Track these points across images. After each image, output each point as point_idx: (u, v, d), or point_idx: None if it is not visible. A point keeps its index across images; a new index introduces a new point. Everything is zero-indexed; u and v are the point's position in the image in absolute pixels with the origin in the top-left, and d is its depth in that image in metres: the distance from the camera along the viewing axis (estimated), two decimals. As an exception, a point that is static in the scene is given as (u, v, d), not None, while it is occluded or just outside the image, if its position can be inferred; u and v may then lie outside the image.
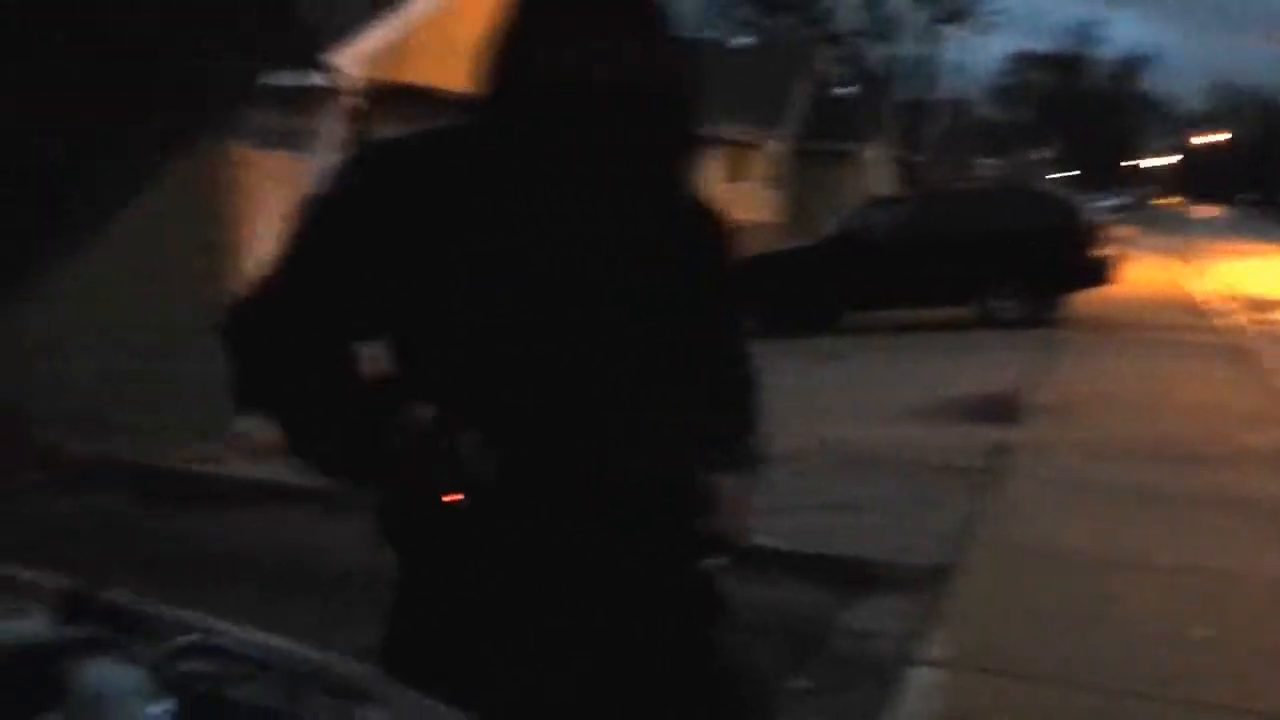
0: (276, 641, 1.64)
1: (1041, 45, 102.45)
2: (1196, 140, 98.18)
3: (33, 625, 1.56)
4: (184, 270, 7.36)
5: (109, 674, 1.50)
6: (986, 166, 60.44)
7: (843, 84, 41.70)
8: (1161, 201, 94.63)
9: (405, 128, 1.95)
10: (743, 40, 42.62)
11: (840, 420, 9.18)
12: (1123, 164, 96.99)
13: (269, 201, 7.37)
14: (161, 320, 7.20)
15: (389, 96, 9.71)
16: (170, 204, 6.79)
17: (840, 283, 16.18)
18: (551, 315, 1.75)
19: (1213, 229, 53.60)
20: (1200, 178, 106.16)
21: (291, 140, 8.14)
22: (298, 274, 1.80)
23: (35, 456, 6.48)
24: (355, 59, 9.93)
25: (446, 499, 1.70)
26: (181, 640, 1.58)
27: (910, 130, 43.84)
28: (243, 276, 6.73)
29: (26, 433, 6.68)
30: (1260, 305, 18.41)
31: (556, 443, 1.77)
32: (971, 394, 10.44)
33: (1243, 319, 16.81)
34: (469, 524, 1.74)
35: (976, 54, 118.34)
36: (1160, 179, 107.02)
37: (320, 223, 1.81)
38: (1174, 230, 45.99)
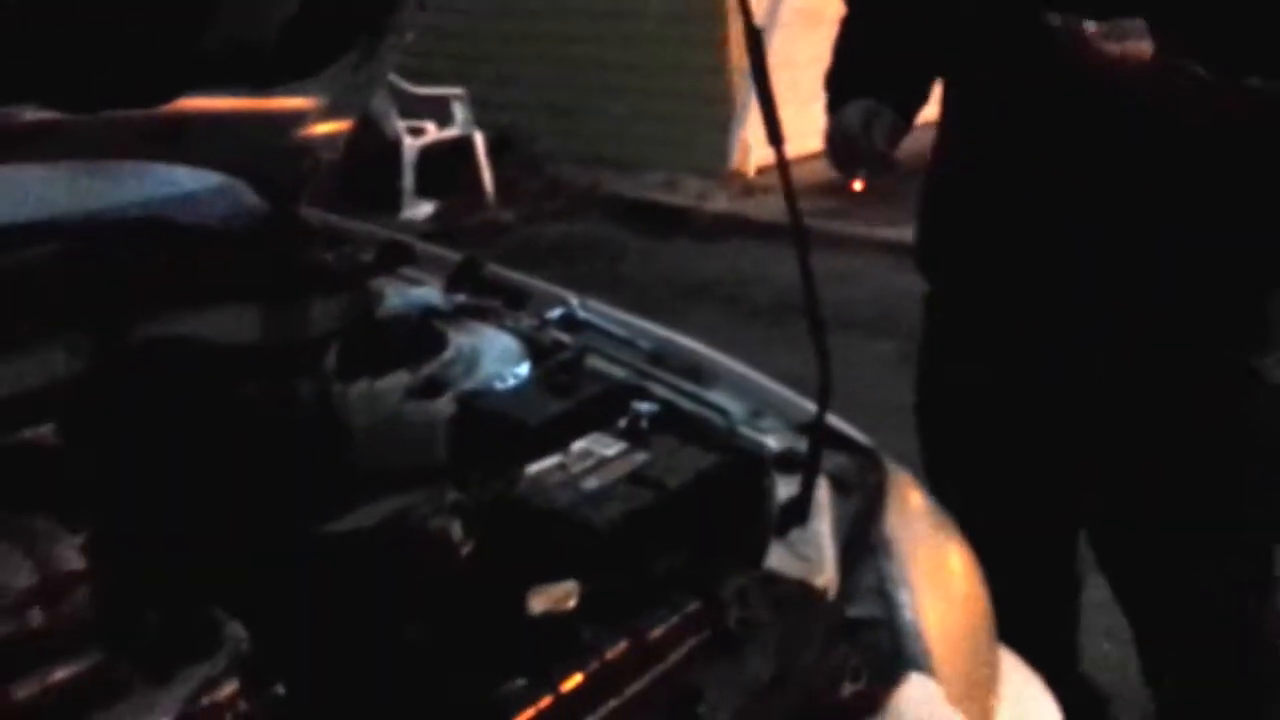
0: (636, 321, 1.77)
1: None
2: None
3: (427, 293, 1.77)
4: (680, 30, 7.59)
5: (486, 336, 1.70)
6: None
7: None
8: None
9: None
10: None
11: None
12: None
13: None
14: (660, 69, 7.53)
15: None
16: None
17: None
18: None
19: None
20: None
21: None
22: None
23: (550, 189, 7.14)
24: None
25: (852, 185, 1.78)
26: (551, 313, 1.74)
27: None
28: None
29: (540, 169, 7.31)
30: None
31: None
32: None
33: None
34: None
35: None
36: None
37: None
38: None
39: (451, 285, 1.78)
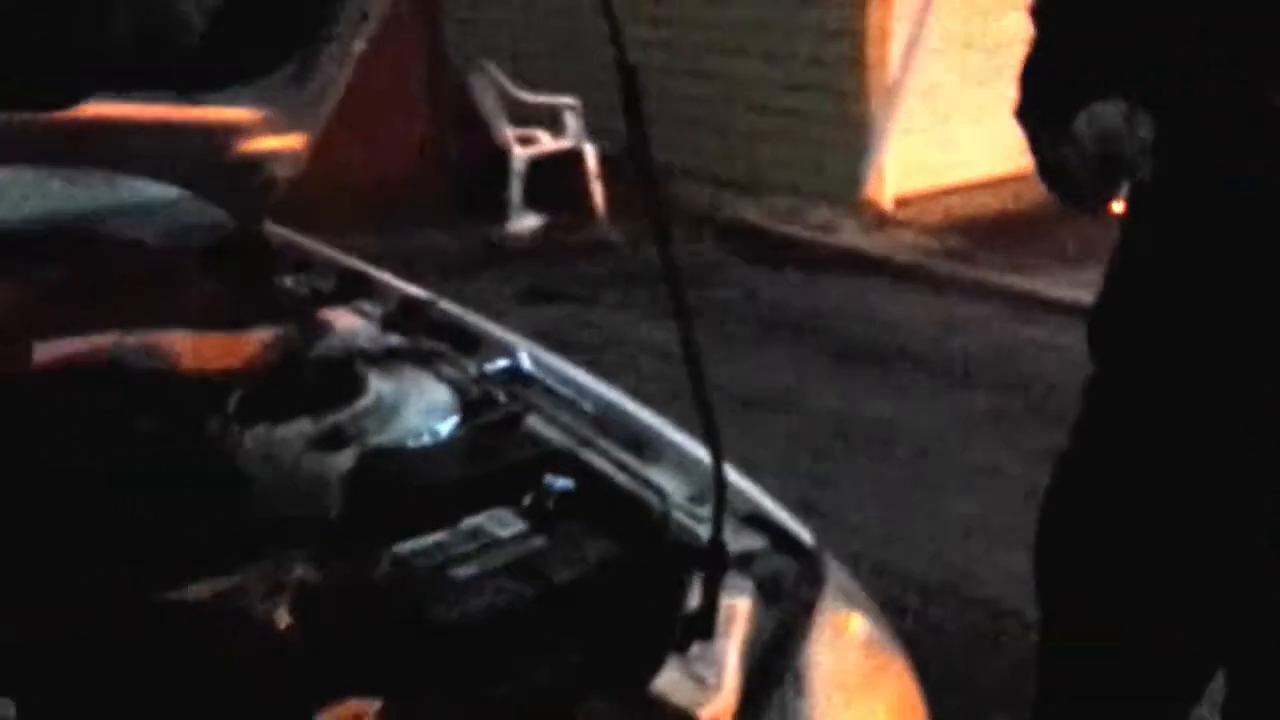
0: (588, 382, 1.58)
1: None
2: None
3: (357, 330, 1.62)
4: (818, 49, 7.41)
5: (414, 384, 1.53)
6: None
7: None
8: None
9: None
10: None
11: None
12: None
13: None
14: (793, 87, 7.37)
15: None
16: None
17: None
18: None
19: None
20: None
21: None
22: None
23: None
24: None
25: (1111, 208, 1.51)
26: (492, 365, 1.57)
27: None
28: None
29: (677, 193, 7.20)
30: None
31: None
32: None
33: None
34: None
35: None
36: None
37: None
38: None
39: (388, 324, 1.62)
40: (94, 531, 1.27)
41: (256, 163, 1.65)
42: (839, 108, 6.89)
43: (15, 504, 1.28)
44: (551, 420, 1.50)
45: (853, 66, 6.82)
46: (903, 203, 6.75)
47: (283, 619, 1.12)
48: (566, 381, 1.56)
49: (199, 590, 1.16)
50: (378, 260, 1.94)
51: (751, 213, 7.03)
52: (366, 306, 1.70)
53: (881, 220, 6.71)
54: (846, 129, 6.89)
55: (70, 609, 1.15)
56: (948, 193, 7.61)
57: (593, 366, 1.68)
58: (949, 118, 7.38)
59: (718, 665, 1.18)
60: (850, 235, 6.71)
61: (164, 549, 1.27)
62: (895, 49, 6.76)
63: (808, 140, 7.04)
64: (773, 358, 4.93)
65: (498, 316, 1.79)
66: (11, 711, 1.02)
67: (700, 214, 6.97)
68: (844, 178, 6.91)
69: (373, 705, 1.00)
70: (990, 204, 7.11)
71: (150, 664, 1.08)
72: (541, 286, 5.74)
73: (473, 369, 1.57)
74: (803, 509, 1.50)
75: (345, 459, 1.40)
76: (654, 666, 1.17)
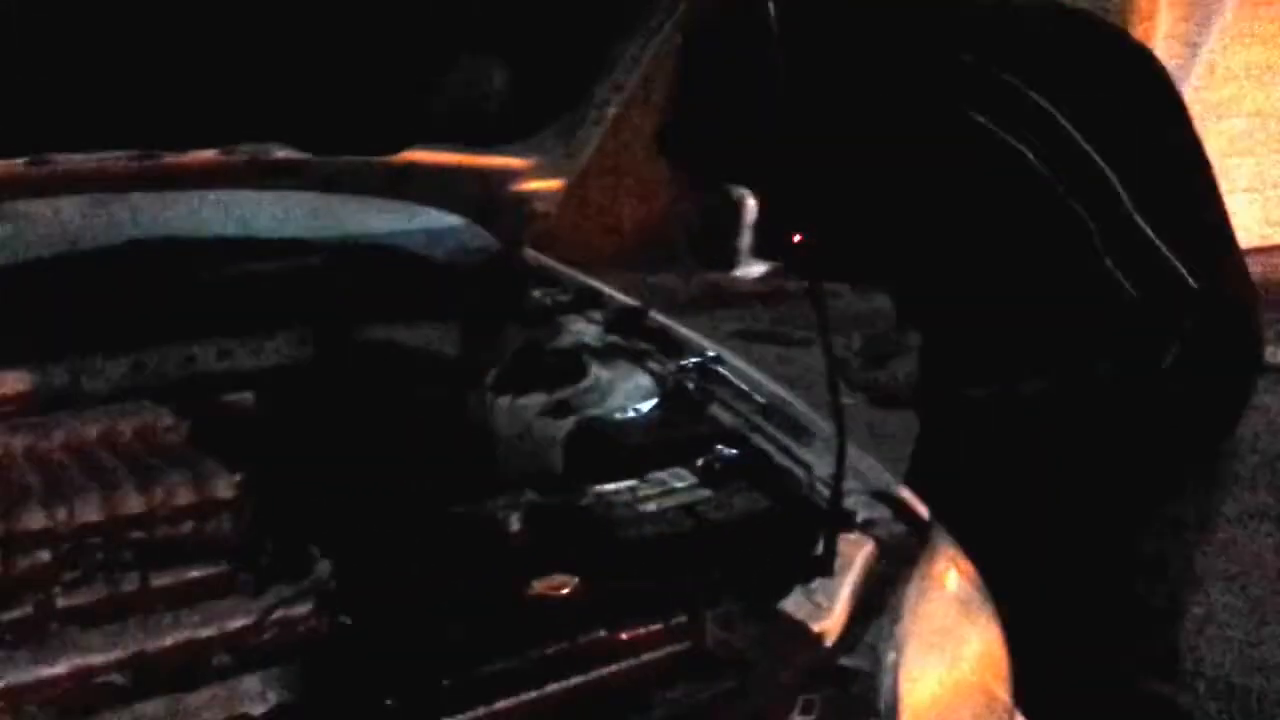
0: (764, 380, 1.97)
1: None
2: None
3: (591, 331, 2.07)
4: None
5: (625, 373, 1.97)
6: None
7: None
8: None
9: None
10: None
11: None
12: None
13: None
14: None
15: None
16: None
17: None
18: None
19: None
20: None
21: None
22: None
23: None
24: None
25: None
26: (685, 362, 1.99)
27: None
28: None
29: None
30: None
31: None
32: None
33: None
34: None
35: None
36: None
37: None
38: None
39: (609, 328, 2.07)
40: (394, 464, 1.76)
41: (522, 200, 2.14)
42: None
43: (345, 443, 1.78)
44: (728, 406, 1.90)
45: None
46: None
47: (515, 525, 1.56)
48: (746, 378, 1.95)
49: (464, 507, 1.61)
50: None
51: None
52: (594, 314, 2.15)
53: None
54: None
55: (379, 512, 1.63)
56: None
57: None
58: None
59: (832, 596, 1.54)
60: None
61: (440, 479, 1.74)
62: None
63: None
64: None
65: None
66: (328, 570, 1.48)
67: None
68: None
69: (572, 580, 1.43)
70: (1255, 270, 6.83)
71: (433, 551, 1.53)
72: (752, 329, 6.12)
73: (671, 364, 1.99)
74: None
75: (567, 424, 1.85)
76: (783, 592, 1.54)
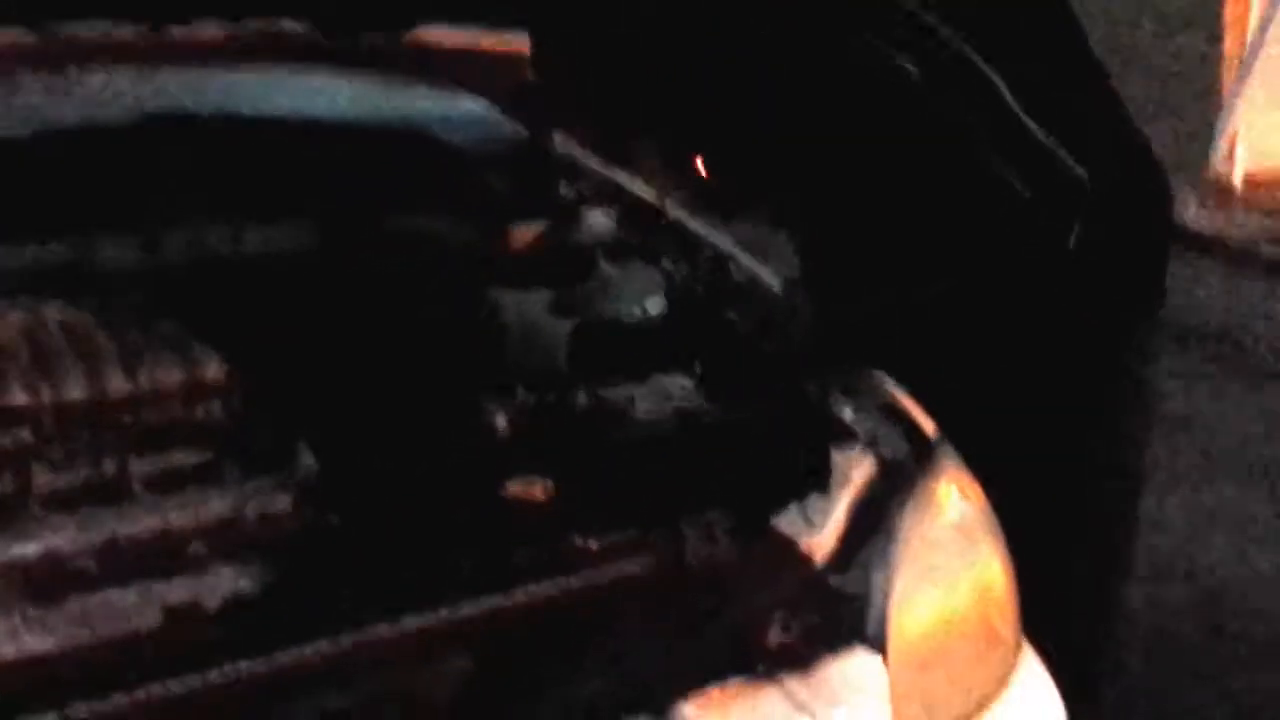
0: (779, 287, 1.90)
1: None
2: None
3: (607, 227, 2.00)
4: None
5: (636, 270, 1.91)
6: None
7: None
8: None
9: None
10: None
11: None
12: None
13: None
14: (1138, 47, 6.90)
15: None
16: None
17: None
18: None
19: None
20: None
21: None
22: None
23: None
24: None
25: None
26: (699, 263, 1.92)
27: None
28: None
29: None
30: None
31: None
32: None
33: None
34: None
35: None
36: None
37: None
38: None
39: (626, 224, 2.00)
40: (394, 357, 1.72)
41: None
42: (1187, 71, 6.60)
43: (348, 338, 1.75)
44: (740, 314, 1.83)
45: (1204, 27, 6.56)
46: (1257, 184, 6.43)
47: (501, 422, 1.52)
48: (759, 280, 1.88)
49: (454, 404, 1.58)
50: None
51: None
52: (612, 209, 2.08)
53: (1226, 198, 6.41)
54: (1196, 98, 6.60)
55: (369, 405, 1.60)
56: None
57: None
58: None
59: (825, 513, 1.49)
60: (1190, 212, 6.33)
61: (439, 375, 1.70)
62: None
63: (1149, 103, 6.75)
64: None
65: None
66: (313, 463, 1.46)
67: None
68: (1188, 147, 6.67)
69: (546, 482, 1.39)
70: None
71: (415, 450, 1.50)
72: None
73: (685, 266, 1.92)
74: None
75: (572, 323, 1.80)
76: (773, 507, 1.50)
